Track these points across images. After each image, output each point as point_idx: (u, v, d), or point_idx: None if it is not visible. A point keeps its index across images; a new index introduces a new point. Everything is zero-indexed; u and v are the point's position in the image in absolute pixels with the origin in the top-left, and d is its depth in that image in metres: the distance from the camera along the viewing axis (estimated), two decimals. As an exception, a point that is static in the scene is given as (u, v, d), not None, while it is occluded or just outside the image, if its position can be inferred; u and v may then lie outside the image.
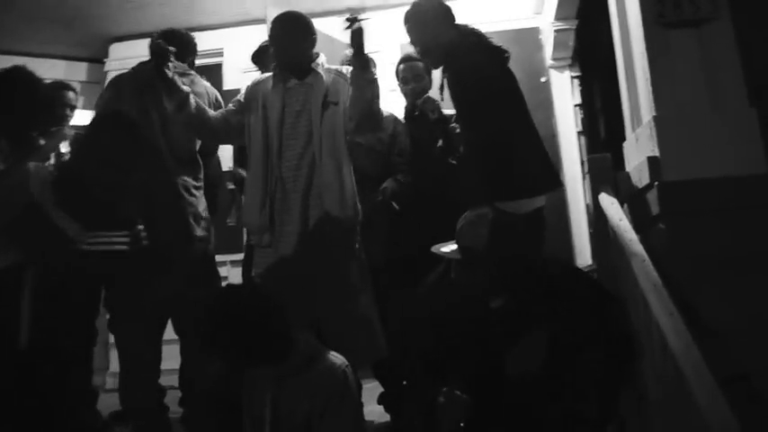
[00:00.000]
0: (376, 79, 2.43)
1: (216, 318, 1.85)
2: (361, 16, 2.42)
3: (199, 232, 2.64)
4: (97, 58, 4.70)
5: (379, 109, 2.49)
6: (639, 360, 1.96)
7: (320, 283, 2.38)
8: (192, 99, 2.50)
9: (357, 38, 2.34)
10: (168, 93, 2.56)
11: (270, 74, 2.63)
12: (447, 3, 2.56)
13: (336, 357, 1.96)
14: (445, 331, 1.97)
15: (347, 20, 2.40)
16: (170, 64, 2.49)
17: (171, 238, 2.52)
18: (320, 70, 2.56)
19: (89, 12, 4.39)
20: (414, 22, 2.52)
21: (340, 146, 2.48)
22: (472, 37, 2.46)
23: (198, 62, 3.03)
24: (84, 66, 4.78)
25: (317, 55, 2.60)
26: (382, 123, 2.60)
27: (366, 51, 2.39)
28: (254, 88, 2.60)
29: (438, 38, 2.44)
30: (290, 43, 2.54)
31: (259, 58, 3.22)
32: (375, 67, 2.44)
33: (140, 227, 2.36)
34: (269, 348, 1.86)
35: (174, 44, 2.63)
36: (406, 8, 2.54)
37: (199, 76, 2.84)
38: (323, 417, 1.86)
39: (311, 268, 2.37)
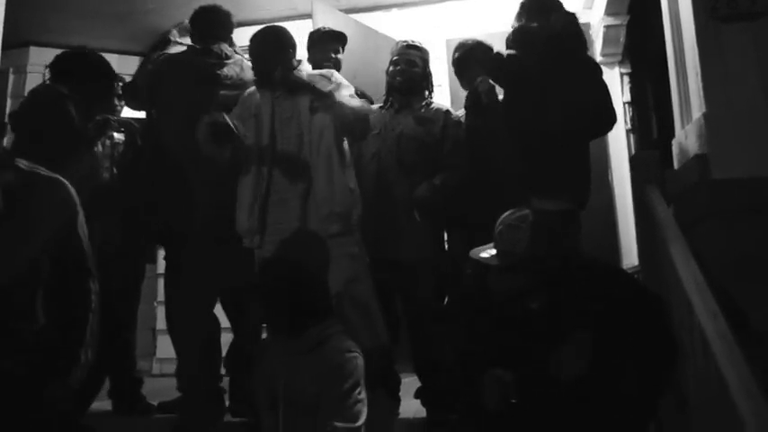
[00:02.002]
0: (334, 101, 2.51)
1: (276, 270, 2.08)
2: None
3: None
4: (149, 53, 4.82)
5: (360, 116, 2.55)
6: (681, 362, 1.91)
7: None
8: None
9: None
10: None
11: None
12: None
13: (345, 342, 2.05)
14: (484, 336, 1.95)
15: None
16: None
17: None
18: (303, 77, 2.60)
19: (142, 7, 4.51)
20: None
21: (330, 147, 2.55)
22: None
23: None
24: (135, 60, 4.90)
25: (299, 62, 2.66)
26: (368, 129, 2.64)
27: (312, 82, 2.54)
28: (247, 99, 2.68)
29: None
30: (267, 57, 2.62)
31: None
32: (332, 82, 2.56)
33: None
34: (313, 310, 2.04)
35: (215, 26, 2.89)
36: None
37: (245, 60, 2.92)
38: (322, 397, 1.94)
39: None
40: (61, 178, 1.88)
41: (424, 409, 2.75)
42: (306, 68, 2.69)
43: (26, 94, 3.16)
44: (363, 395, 2.00)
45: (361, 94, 2.82)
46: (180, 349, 2.83)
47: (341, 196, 2.53)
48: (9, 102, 5.09)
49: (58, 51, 3.07)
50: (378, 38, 4.04)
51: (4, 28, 3.26)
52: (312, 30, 3.36)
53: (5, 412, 1.66)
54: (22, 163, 1.84)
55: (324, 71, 2.71)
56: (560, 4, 2.71)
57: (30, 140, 2.64)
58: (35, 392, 1.71)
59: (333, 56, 3.12)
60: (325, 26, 3.30)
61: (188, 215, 2.73)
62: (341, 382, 1.95)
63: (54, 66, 2.95)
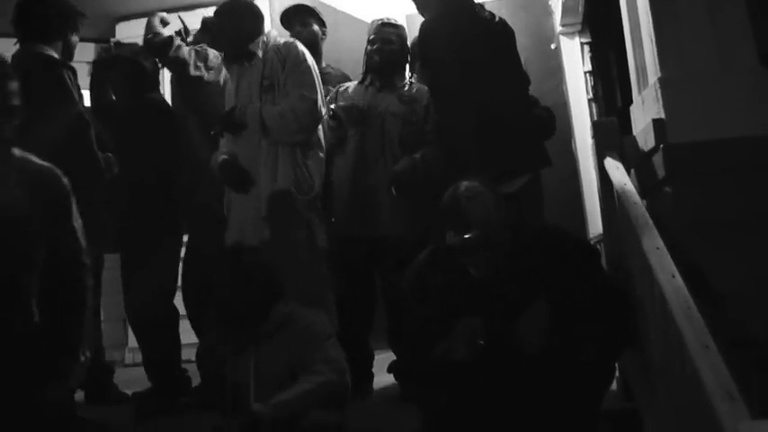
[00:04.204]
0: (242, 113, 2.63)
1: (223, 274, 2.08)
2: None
3: None
4: (105, 39, 4.70)
5: (274, 122, 2.58)
6: (635, 315, 1.95)
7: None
8: None
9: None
10: None
11: None
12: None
13: (305, 309, 2.14)
14: (438, 310, 1.96)
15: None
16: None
17: None
18: (258, 51, 2.63)
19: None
20: None
21: None
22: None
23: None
24: (91, 46, 4.78)
25: (258, 35, 2.68)
26: (292, 126, 2.61)
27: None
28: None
29: None
30: (227, 29, 2.68)
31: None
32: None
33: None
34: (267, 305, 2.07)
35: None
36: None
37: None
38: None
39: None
40: (54, 168, 1.82)
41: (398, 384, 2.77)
42: (266, 38, 2.70)
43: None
44: (340, 350, 2.07)
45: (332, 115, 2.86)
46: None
47: (287, 175, 2.57)
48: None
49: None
50: (336, 15, 4.00)
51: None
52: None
53: (4, 413, 1.61)
54: (15, 151, 1.77)
55: (286, 42, 2.73)
56: None
57: None
58: (35, 393, 1.66)
59: (298, 29, 3.14)
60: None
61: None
62: (316, 339, 2.02)
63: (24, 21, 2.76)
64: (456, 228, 1.96)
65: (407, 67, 3.08)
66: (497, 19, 2.61)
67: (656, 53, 2.23)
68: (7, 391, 1.62)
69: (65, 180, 1.82)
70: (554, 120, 2.99)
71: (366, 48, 3.01)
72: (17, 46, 2.70)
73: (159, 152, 2.86)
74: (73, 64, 3.02)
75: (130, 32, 4.41)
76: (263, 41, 2.67)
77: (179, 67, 2.91)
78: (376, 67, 2.94)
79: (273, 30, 2.88)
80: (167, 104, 3.22)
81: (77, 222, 1.83)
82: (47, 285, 1.75)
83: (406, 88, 2.96)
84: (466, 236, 1.92)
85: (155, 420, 2.57)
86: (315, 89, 2.61)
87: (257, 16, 2.71)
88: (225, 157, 2.62)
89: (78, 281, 1.81)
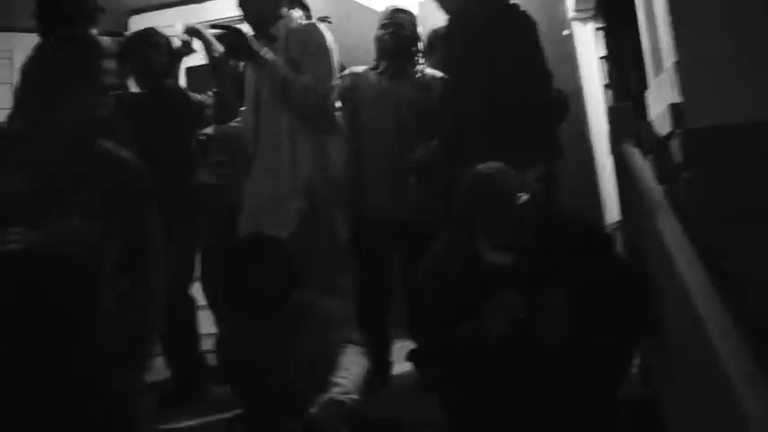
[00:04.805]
0: (266, 61, 2.51)
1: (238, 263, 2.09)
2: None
3: None
4: (118, 32, 4.71)
5: (296, 89, 2.52)
6: (653, 300, 1.94)
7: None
8: None
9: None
10: None
11: None
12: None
13: (325, 297, 2.18)
14: (455, 297, 1.96)
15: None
16: None
17: None
18: (281, 34, 2.60)
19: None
20: None
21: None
22: None
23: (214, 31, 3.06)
24: (106, 40, 4.80)
25: (281, 16, 2.67)
26: (308, 97, 2.57)
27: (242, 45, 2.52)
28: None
29: None
30: (250, 12, 2.66)
31: None
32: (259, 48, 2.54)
33: None
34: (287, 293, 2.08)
35: None
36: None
37: None
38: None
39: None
40: (137, 160, 1.84)
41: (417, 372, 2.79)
42: (288, 22, 2.69)
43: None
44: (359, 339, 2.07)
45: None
46: None
47: (305, 168, 2.53)
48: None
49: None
50: (349, 4, 3.99)
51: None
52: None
53: (73, 404, 1.62)
54: (106, 143, 1.79)
55: (308, 24, 2.73)
56: None
57: None
58: (105, 385, 1.66)
59: None
60: None
61: None
62: (338, 325, 2.04)
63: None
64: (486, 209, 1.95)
65: (419, 51, 3.06)
66: (515, 6, 2.60)
67: (671, 36, 2.20)
68: (74, 376, 1.63)
69: (147, 172, 1.85)
70: (566, 102, 2.96)
71: (377, 33, 3.01)
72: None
73: (172, 141, 2.88)
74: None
75: (143, 25, 4.43)
76: (285, 24, 2.66)
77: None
78: (389, 52, 2.95)
79: (296, 11, 2.83)
80: (183, 92, 3.21)
81: (155, 217, 1.86)
82: (122, 278, 1.77)
83: (418, 75, 2.95)
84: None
85: (179, 408, 2.59)
86: (331, 76, 2.61)
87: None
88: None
89: (153, 275, 1.83)
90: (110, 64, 1.74)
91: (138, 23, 4.62)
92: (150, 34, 3.05)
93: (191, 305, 2.92)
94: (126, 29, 4.65)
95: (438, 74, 2.99)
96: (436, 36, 3.01)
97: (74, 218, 1.69)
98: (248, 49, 2.48)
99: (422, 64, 3.04)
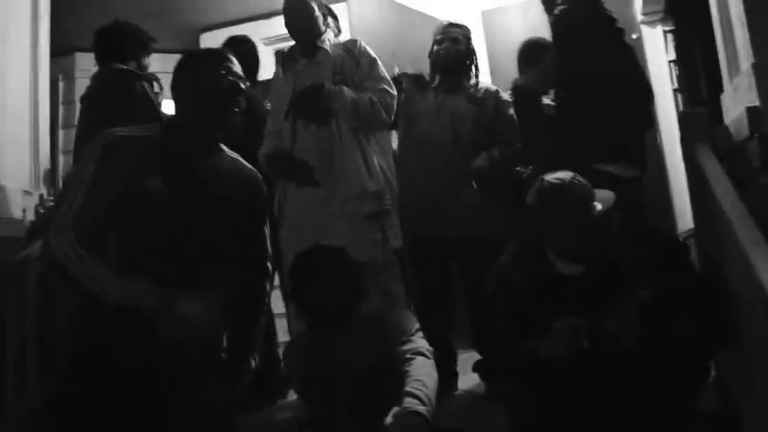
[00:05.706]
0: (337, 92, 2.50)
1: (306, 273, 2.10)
2: None
3: None
4: (190, 50, 4.89)
5: (365, 108, 2.52)
6: (729, 311, 1.87)
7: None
8: None
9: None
10: None
11: None
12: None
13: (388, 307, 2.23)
14: (523, 308, 1.94)
15: None
16: None
17: None
18: (327, 46, 2.61)
19: (178, 4, 4.58)
20: None
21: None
22: None
23: (280, 45, 3.16)
24: (176, 57, 4.99)
25: (324, 31, 2.66)
26: (376, 113, 2.56)
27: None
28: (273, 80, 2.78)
29: None
30: (302, 16, 2.62)
31: None
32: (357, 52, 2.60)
33: None
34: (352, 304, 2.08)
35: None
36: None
37: None
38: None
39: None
40: (259, 174, 1.90)
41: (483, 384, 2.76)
42: (329, 37, 2.69)
43: (78, 99, 3.26)
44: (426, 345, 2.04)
45: (394, 78, 2.81)
46: None
47: (374, 172, 2.53)
48: (61, 108, 5.27)
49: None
50: (413, 15, 4.02)
51: (50, 36, 3.38)
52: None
53: (167, 413, 1.59)
54: (226, 149, 1.83)
55: (347, 41, 2.73)
56: None
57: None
58: (191, 393, 1.63)
59: None
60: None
61: None
62: (404, 335, 2.02)
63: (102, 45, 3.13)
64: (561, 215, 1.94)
65: (474, 65, 3.04)
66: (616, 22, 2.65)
67: (748, 38, 2.12)
68: (195, 390, 1.63)
69: (264, 186, 1.90)
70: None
71: (432, 48, 3.01)
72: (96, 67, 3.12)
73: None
74: (159, 74, 3.20)
75: (215, 43, 4.59)
76: (328, 37, 2.68)
77: None
78: (444, 66, 2.95)
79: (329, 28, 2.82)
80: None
81: (267, 228, 1.90)
82: (235, 289, 1.78)
83: (473, 91, 2.96)
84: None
85: (249, 416, 2.64)
86: (390, 85, 2.63)
87: (324, 12, 2.73)
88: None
89: (263, 286, 1.87)
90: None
91: (208, 41, 4.79)
92: None
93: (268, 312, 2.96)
94: (198, 46, 4.82)
95: (492, 87, 3.00)
96: (539, 47, 2.94)
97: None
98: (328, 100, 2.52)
99: (476, 77, 3.03)
